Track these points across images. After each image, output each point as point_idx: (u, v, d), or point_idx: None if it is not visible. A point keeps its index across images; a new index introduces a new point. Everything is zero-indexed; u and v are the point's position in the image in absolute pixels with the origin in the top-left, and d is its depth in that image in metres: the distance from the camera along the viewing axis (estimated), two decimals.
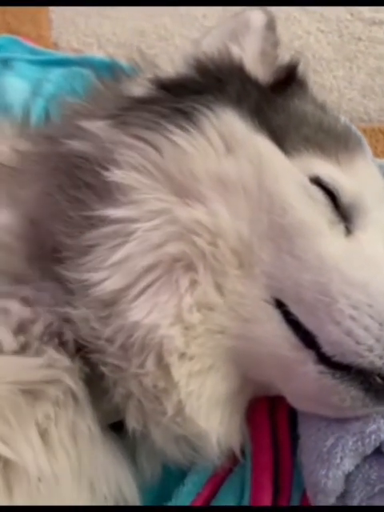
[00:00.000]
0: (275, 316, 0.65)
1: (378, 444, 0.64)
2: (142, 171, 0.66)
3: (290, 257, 0.65)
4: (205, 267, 0.65)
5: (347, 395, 0.62)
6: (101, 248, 0.64)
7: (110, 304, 0.64)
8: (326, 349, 0.62)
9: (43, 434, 0.63)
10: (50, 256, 0.66)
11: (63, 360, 0.64)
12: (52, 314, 0.65)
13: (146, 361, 0.64)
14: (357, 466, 0.65)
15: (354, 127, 0.81)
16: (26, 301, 0.65)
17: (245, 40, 0.79)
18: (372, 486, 0.65)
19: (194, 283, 0.65)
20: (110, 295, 0.63)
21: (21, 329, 0.64)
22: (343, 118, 0.81)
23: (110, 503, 0.69)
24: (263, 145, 0.68)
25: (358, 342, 0.61)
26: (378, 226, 0.70)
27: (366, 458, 0.65)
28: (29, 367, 0.63)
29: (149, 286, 0.64)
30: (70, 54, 1.39)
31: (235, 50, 0.78)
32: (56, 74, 1.23)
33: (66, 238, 0.65)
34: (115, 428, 0.69)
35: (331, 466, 0.64)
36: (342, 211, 0.68)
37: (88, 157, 0.67)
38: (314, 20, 1.41)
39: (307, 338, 0.64)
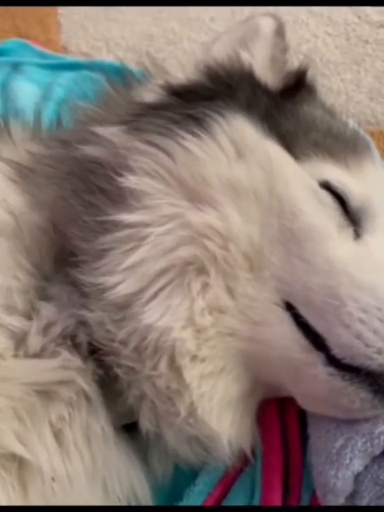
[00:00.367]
0: (285, 319, 0.66)
1: None
2: (155, 177, 0.67)
3: (300, 260, 0.66)
4: (216, 271, 0.66)
5: (356, 397, 0.63)
6: (115, 252, 0.65)
7: (124, 307, 0.65)
8: (336, 351, 0.63)
9: (57, 435, 0.64)
10: (66, 259, 0.67)
11: (76, 362, 0.66)
12: (69, 316, 0.66)
13: (159, 363, 0.65)
14: (366, 467, 0.66)
15: (362, 131, 0.81)
16: (51, 300, 0.66)
17: (254, 46, 0.80)
18: (381, 486, 0.65)
19: (205, 286, 0.66)
20: (123, 298, 0.65)
21: (45, 331, 0.65)
22: (351, 122, 0.82)
23: (123, 503, 0.70)
24: (273, 150, 0.69)
25: (367, 345, 0.62)
26: None
27: (375, 459, 0.65)
28: (45, 369, 0.64)
29: (161, 289, 0.65)
30: (80, 58, 1.40)
31: (245, 57, 0.78)
32: (66, 77, 1.24)
33: (81, 242, 0.66)
34: (128, 429, 0.70)
35: (340, 467, 0.65)
36: (351, 215, 0.69)
37: (102, 162, 0.68)
38: (322, 23, 1.42)
39: (317, 341, 0.65)
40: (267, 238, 0.66)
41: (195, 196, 0.67)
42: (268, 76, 0.78)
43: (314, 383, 0.65)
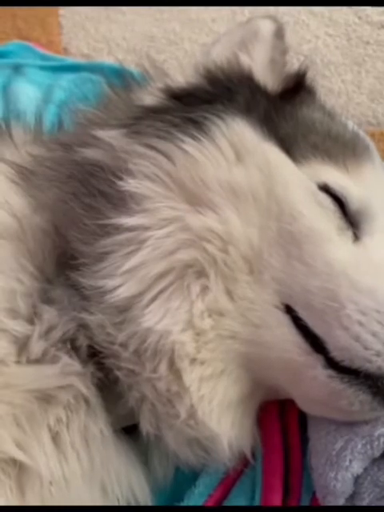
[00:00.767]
0: (285, 321, 0.66)
1: None
2: (155, 180, 0.67)
3: (299, 263, 0.66)
4: (216, 273, 0.67)
5: (356, 399, 0.63)
6: (115, 255, 0.65)
7: (124, 310, 0.65)
8: (335, 354, 0.63)
9: (55, 438, 0.64)
10: (68, 262, 0.67)
11: (76, 366, 0.66)
12: (70, 320, 0.66)
13: (158, 365, 0.65)
14: (365, 469, 0.66)
15: (362, 132, 0.81)
16: (53, 304, 0.67)
17: (254, 48, 0.80)
18: (381, 487, 0.66)
19: (205, 289, 0.67)
20: (123, 301, 0.65)
21: (46, 335, 0.65)
22: (351, 123, 0.82)
23: (122, 505, 0.70)
24: (272, 153, 0.70)
25: (366, 347, 0.62)
26: None
27: (374, 461, 0.66)
28: (46, 376, 0.64)
29: (161, 292, 0.66)
30: (80, 60, 1.41)
31: (244, 59, 0.79)
32: (67, 79, 1.24)
33: (81, 245, 0.67)
34: (128, 431, 0.71)
35: (340, 469, 0.65)
36: (350, 218, 0.69)
37: (102, 165, 0.68)
38: (323, 24, 1.42)
39: (316, 343, 0.65)
40: (267, 240, 0.67)
41: (195, 199, 0.67)
42: (267, 78, 0.78)
43: (313, 385, 0.65)
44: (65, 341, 0.66)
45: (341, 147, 0.73)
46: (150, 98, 0.75)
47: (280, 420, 0.75)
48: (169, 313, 0.65)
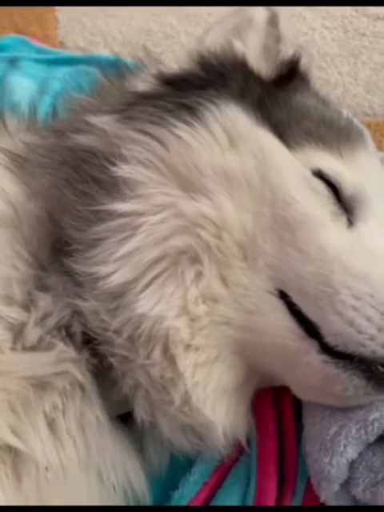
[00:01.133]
0: (279, 307, 0.66)
1: (380, 432, 0.65)
2: (149, 166, 0.67)
3: (293, 249, 0.66)
4: (209, 260, 0.66)
5: (350, 384, 0.63)
6: (108, 241, 0.65)
7: (118, 296, 0.65)
8: (329, 339, 0.63)
9: (51, 424, 0.64)
10: (62, 248, 0.67)
11: (71, 352, 0.66)
12: (64, 306, 0.66)
13: (152, 352, 0.65)
14: (360, 454, 0.66)
15: (356, 120, 0.81)
16: (48, 291, 0.67)
17: (247, 36, 0.80)
18: (375, 473, 0.66)
19: (199, 275, 0.67)
20: (117, 288, 0.65)
21: (42, 322, 0.65)
22: (346, 112, 0.82)
23: (119, 492, 0.70)
24: (266, 139, 0.69)
25: (359, 332, 0.62)
26: (379, 217, 0.70)
27: (369, 446, 0.66)
28: (42, 363, 0.64)
29: (155, 278, 0.65)
30: (77, 53, 1.40)
31: (238, 46, 0.79)
32: (62, 72, 1.24)
33: (74, 232, 0.66)
34: (123, 418, 0.71)
35: (335, 454, 0.65)
36: (344, 203, 0.69)
37: (95, 151, 0.68)
38: (319, 16, 1.42)
39: (310, 329, 0.65)
40: (260, 226, 0.66)
41: (188, 185, 0.67)
42: (261, 65, 0.78)
43: (307, 371, 0.65)
44: (60, 328, 0.66)
45: (335, 133, 0.73)
46: (143, 84, 0.75)
47: (275, 407, 0.75)
48: (163, 298, 0.65)
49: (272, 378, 0.72)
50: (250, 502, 0.71)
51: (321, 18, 1.41)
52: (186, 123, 0.68)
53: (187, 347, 0.66)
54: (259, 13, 0.82)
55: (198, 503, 0.72)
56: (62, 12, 1.51)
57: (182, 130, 0.68)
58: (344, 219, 0.69)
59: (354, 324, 0.62)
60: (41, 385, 0.64)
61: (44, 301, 0.66)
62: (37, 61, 1.33)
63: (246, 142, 0.68)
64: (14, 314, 0.65)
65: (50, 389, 0.64)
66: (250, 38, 0.80)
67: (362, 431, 0.65)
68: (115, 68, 0.87)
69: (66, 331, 0.67)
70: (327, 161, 0.70)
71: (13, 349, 0.64)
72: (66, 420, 0.65)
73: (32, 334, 0.65)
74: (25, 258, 0.67)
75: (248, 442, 0.73)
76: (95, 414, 0.66)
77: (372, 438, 0.65)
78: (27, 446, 0.62)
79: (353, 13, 1.42)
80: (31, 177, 0.71)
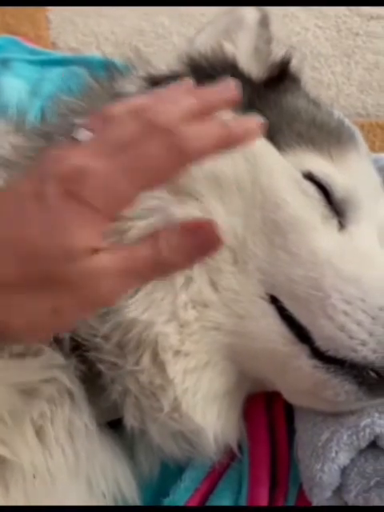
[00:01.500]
0: (270, 311, 0.65)
1: (372, 438, 0.64)
2: None
3: (284, 252, 0.65)
4: (199, 264, 0.66)
5: (341, 389, 0.63)
6: None
7: None
8: (320, 343, 0.63)
9: (39, 432, 0.63)
10: None
11: (59, 359, 0.65)
12: None
13: (141, 358, 0.64)
14: (352, 460, 0.65)
15: (347, 121, 0.81)
16: None
17: (238, 37, 0.80)
18: (368, 479, 0.65)
19: (188, 280, 0.66)
20: None
21: None
22: (337, 113, 0.82)
23: (109, 500, 0.69)
24: (257, 141, 0.69)
25: (351, 337, 0.62)
26: (371, 220, 0.70)
27: (361, 452, 0.65)
28: (29, 369, 0.63)
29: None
30: (69, 54, 1.40)
31: (228, 47, 0.78)
32: (54, 73, 1.23)
33: None
34: (113, 425, 0.70)
35: (326, 460, 0.65)
36: (335, 206, 0.68)
37: None
38: (312, 16, 1.41)
39: (301, 333, 0.64)
40: (251, 229, 0.66)
41: (178, 189, 0.66)
42: (252, 67, 0.77)
43: (298, 376, 0.64)
44: None
45: (325, 135, 0.73)
46: (131, 86, 0.74)
47: (266, 412, 0.75)
48: (153, 304, 0.65)
49: (263, 384, 0.71)
50: None
51: (314, 18, 1.40)
52: None
53: (177, 353, 0.65)
54: (250, 14, 0.82)
55: None
56: (54, 12, 1.51)
57: None
58: (335, 222, 0.68)
59: (344, 329, 0.62)
60: (28, 392, 0.63)
61: None
62: (29, 62, 1.32)
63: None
64: None
65: (37, 396, 0.63)
66: (240, 40, 0.79)
67: (354, 437, 0.64)
68: (105, 69, 0.86)
69: (54, 337, 0.66)
70: (318, 163, 0.70)
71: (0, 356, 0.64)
72: (55, 427, 0.64)
73: None
74: None
75: (239, 447, 0.72)
76: (84, 421, 0.65)
77: (364, 444, 0.64)
78: (14, 454, 0.61)
79: (346, 12, 1.41)
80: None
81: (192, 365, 0.66)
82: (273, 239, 0.66)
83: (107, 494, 0.69)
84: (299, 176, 0.68)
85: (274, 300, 0.66)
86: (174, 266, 0.53)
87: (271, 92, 0.75)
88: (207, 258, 0.61)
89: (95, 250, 0.49)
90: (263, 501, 0.70)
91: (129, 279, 0.52)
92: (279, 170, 0.68)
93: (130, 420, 0.67)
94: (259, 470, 0.71)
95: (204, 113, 0.55)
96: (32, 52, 1.37)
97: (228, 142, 0.54)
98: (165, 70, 0.76)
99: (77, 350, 0.66)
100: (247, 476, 0.72)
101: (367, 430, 0.64)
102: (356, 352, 0.61)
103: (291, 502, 0.71)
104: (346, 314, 0.62)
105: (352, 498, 0.66)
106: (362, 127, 1.10)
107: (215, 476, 0.73)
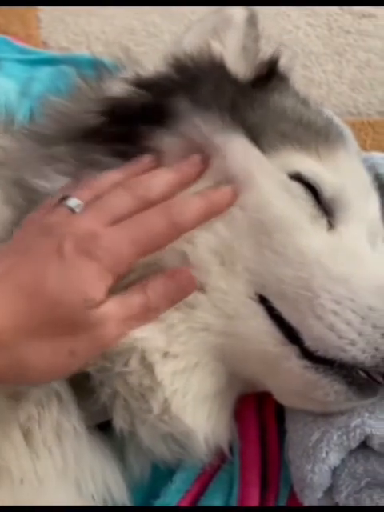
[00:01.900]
0: (259, 312, 0.65)
1: (363, 438, 0.64)
2: None
3: (271, 252, 0.65)
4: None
5: (331, 390, 0.62)
6: None
7: None
8: (309, 344, 0.62)
9: (26, 435, 0.63)
10: None
11: None
12: None
13: (130, 359, 0.64)
14: (343, 461, 0.65)
15: (335, 120, 0.80)
16: None
17: (226, 36, 0.79)
18: (358, 479, 0.65)
19: None
20: None
21: None
22: (327, 111, 0.81)
23: (98, 502, 0.69)
24: (237, 143, 0.68)
25: (340, 337, 0.61)
26: (360, 219, 0.69)
27: (351, 452, 0.65)
28: None
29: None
30: (59, 53, 1.39)
31: (216, 47, 0.77)
32: (44, 73, 1.23)
33: None
34: (103, 427, 0.69)
35: (317, 461, 0.64)
36: (324, 206, 0.68)
37: None
38: (304, 14, 1.41)
39: (291, 333, 0.64)
40: (235, 231, 0.65)
41: None
42: (240, 66, 0.77)
43: (288, 376, 0.64)
44: None
45: (313, 134, 0.72)
46: (117, 87, 0.74)
47: (257, 413, 0.74)
48: None
49: (254, 384, 0.70)
50: None
51: (305, 16, 1.40)
52: (154, 133, 0.67)
53: (165, 355, 0.65)
54: (238, 12, 0.81)
55: None
56: (45, 11, 1.50)
57: (150, 140, 0.67)
58: (324, 222, 0.67)
59: (334, 329, 0.62)
60: (16, 395, 0.63)
61: None
62: (19, 61, 1.31)
63: (215, 150, 0.67)
64: None
65: (25, 399, 0.63)
66: (228, 39, 0.79)
67: (344, 438, 0.64)
68: (94, 69, 0.85)
69: None
70: (305, 163, 0.69)
71: None
72: (42, 430, 0.63)
73: None
74: None
75: (230, 448, 0.71)
76: (72, 423, 0.65)
77: (354, 445, 0.64)
78: (2, 457, 0.61)
79: (338, 10, 1.41)
80: (5, 182, 0.69)
81: (181, 366, 0.65)
82: (259, 239, 0.65)
83: (96, 497, 0.68)
84: (285, 177, 0.68)
85: (263, 300, 0.65)
86: (160, 309, 0.63)
87: (258, 91, 0.74)
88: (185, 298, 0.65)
89: (103, 301, 0.58)
90: (254, 502, 0.69)
91: (131, 322, 0.61)
92: (260, 171, 0.67)
93: (119, 422, 0.66)
94: (250, 471, 0.71)
95: (182, 186, 0.65)
96: (22, 51, 1.37)
97: (212, 212, 0.64)
98: (151, 72, 0.75)
99: None
100: (238, 477, 0.71)
101: (357, 431, 0.63)
102: (345, 352, 0.61)
103: (282, 503, 0.70)
104: (335, 313, 0.62)
105: (343, 499, 0.65)
106: (353, 126, 1.10)
107: (206, 477, 0.73)
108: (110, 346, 0.61)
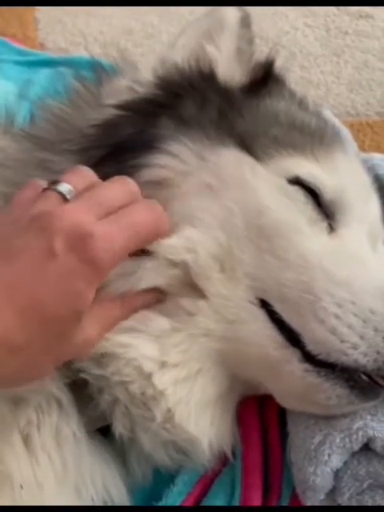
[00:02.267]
0: (260, 316, 0.65)
1: (365, 440, 0.64)
2: None
3: (272, 257, 0.65)
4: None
5: (333, 393, 0.62)
6: None
7: None
8: (311, 347, 0.62)
9: (26, 440, 0.62)
10: None
11: None
12: None
13: (123, 368, 0.64)
14: (345, 463, 0.65)
15: (333, 121, 0.80)
16: None
17: (220, 38, 0.79)
18: (361, 481, 0.65)
19: None
20: None
21: None
22: (326, 112, 0.81)
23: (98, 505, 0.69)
24: (229, 155, 0.68)
25: (342, 340, 0.61)
26: (361, 221, 0.70)
27: (353, 455, 0.65)
28: None
29: None
30: (57, 54, 1.39)
31: (210, 50, 0.77)
32: (42, 75, 1.23)
33: None
34: (103, 431, 0.69)
35: (319, 463, 0.64)
36: (325, 209, 0.68)
37: None
38: (301, 15, 1.41)
39: (292, 337, 0.64)
40: (234, 237, 0.65)
41: None
42: (234, 69, 0.77)
43: (290, 380, 0.64)
44: None
45: (307, 137, 0.72)
46: (111, 99, 0.74)
47: (259, 416, 0.74)
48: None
49: (256, 387, 0.70)
50: None
51: (303, 17, 1.40)
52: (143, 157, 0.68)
53: (163, 364, 0.64)
54: (231, 14, 0.80)
55: None
56: (42, 12, 1.50)
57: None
58: (324, 225, 0.68)
59: (336, 332, 0.62)
60: (16, 400, 0.62)
61: None
62: (17, 63, 1.31)
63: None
64: None
65: (24, 404, 0.63)
66: (222, 41, 0.78)
67: (347, 440, 0.64)
68: (93, 71, 0.85)
69: None
70: (304, 166, 0.69)
71: None
72: (42, 435, 0.63)
73: None
74: None
75: (233, 452, 0.71)
76: (72, 428, 0.65)
77: (356, 447, 0.64)
78: (2, 462, 0.61)
79: (335, 11, 1.41)
80: (4, 184, 0.69)
81: (182, 375, 0.65)
82: (259, 244, 0.65)
83: (96, 501, 0.68)
84: (283, 181, 0.68)
85: (264, 304, 0.65)
86: None
87: (251, 97, 0.74)
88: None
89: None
90: (256, 504, 0.69)
91: (109, 327, 0.63)
92: (255, 178, 0.67)
93: (119, 428, 0.66)
94: (252, 473, 0.71)
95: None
96: (20, 53, 1.36)
97: None
98: (140, 92, 0.75)
99: None
100: (240, 479, 0.71)
101: (360, 433, 0.63)
102: (347, 355, 0.61)
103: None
104: (336, 317, 0.62)
105: (345, 501, 0.65)
106: (351, 126, 1.11)
107: (208, 479, 0.72)
108: (90, 351, 0.62)
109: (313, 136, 0.72)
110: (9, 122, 0.83)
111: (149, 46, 1.42)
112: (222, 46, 0.78)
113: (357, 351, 0.61)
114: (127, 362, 0.63)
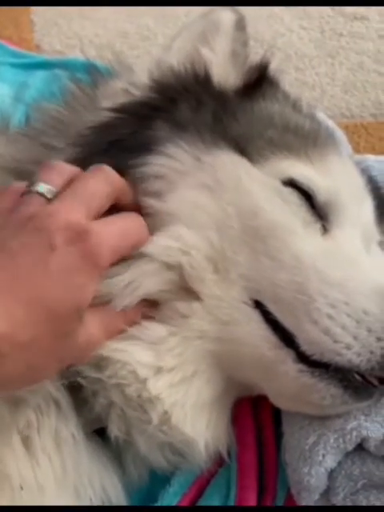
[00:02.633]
0: (254, 317, 0.65)
1: (359, 440, 0.64)
2: None
3: (266, 257, 0.65)
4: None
5: (327, 393, 0.63)
6: None
7: None
8: (305, 348, 0.63)
9: (25, 441, 0.63)
10: None
11: None
12: None
13: (119, 371, 0.64)
14: (339, 463, 0.65)
15: (327, 123, 0.80)
16: None
17: (215, 41, 0.79)
18: (355, 481, 0.65)
19: None
20: None
21: None
22: (320, 114, 0.81)
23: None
24: (224, 157, 0.69)
25: (335, 341, 0.62)
26: (355, 223, 0.70)
27: (347, 455, 0.65)
28: None
29: None
30: (53, 57, 1.39)
31: (205, 53, 0.77)
32: (37, 77, 1.23)
33: None
34: (100, 433, 0.69)
35: (313, 464, 0.65)
36: (319, 210, 0.68)
37: None
38: (296, 17, 1.42)
39: (286, 337, 0.64)
40: (228, 239, 0.66)
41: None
42: (229, 72, 0.77)
43: (284, 380, 0.64)
44: None
45: (301, 139, 0.72)
46: (108, 101, 0.74)
47: (254, 416, 0.74)
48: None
49: (251, 388, 0.71)
50: None
51: (298, 19, 1.40)
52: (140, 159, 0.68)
53: (158, 370, 0.64)
54: (226, 16, 0.81)
55: None
56: (38, 14, 1.50)
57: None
58: (318, 226, 0.68)
59: (329, 332, 0.62)
60: (15, 401, 0.63)
61: None
62: (12, 65, 1.32)
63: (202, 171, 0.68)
64: None
65: (24, 405, 0.63)
66: (217, 44, 0.79)
67: (341, 440, 0.64)
68: (88, 73, 0.86)
69: None
70: (297, 168, 0.69)
71: None
72: (41, 437, 0.63)
73: None
74: None
75: (228, 453, 0.71)
76: (70, 429, 0.65)
77: (350, 447, 0.64)
78: (2, 464, 0.61)
79: (330, 13, 1.42)
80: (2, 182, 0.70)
81: (178, 378, 0.65)
82: (254, 246, 0.65)
83: (95, 502, 0.68)
84: (277, 183, 0.68)
85: (258, 305, 0.65)
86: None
87: (242, 100, 0.74)
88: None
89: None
90: (251, 505, 0.70)
91: (111, 335, 0.63)
92: (250, 180, 0.68)
93: (114, 431, 0.66)
94: (247, 474, 0.71)
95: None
96: (15, 55, 1.37)
97: None
98: (136, 95, 0.75)
99: None
100: (235, 480, 0.71)
101: (354, 433, 0.64)
102: (341, 356, 0.61)
103: None
104: (330, 317, 0.62)
105: (340, 501, 0.66)
106: (346, 128, 1.11)
107: (203, 480, 0.73)
108: (92, 352, 0.62)
109: (307, 138, 0.72)
110: (4, 125, 0.84)
111: (144, 49, 1.42)
112: (216, 49, 0.78)
113: (350, 351, 0.61)
114: (123, 366, 0.63)
